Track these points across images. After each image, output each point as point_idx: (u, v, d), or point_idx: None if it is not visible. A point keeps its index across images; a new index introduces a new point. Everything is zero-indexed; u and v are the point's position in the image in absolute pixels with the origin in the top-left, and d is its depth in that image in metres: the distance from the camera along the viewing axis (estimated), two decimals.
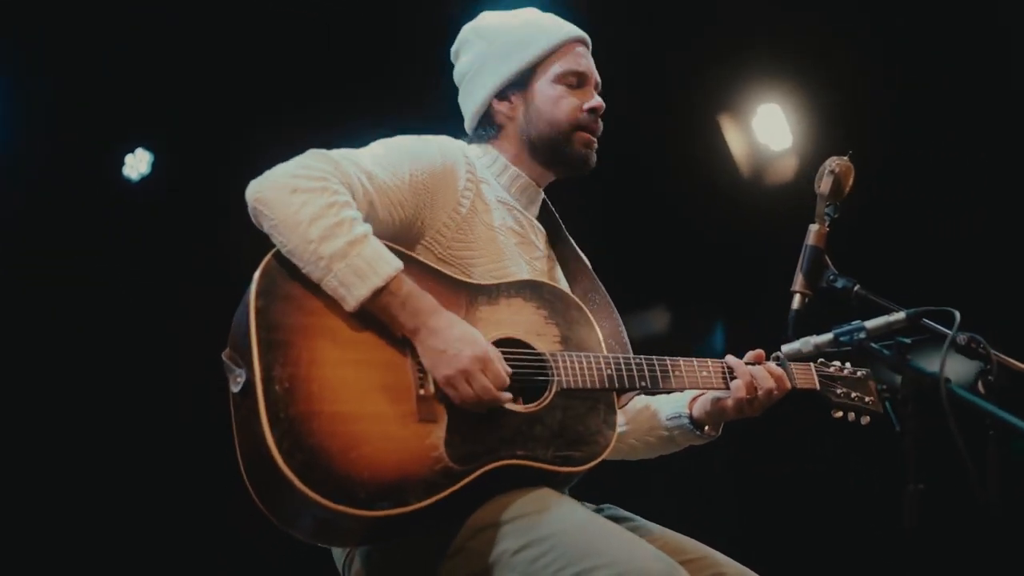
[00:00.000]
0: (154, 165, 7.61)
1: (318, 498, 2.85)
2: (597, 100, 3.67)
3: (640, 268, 8.01)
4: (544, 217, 3.81)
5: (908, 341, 2.91)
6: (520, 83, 3.66)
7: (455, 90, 3.87)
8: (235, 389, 2.99)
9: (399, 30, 7.29)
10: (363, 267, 3.05)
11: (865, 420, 3.74)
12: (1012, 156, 6.95)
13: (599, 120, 3.70)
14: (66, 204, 7.23)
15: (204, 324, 7.32)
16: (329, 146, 3.33)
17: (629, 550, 3.01)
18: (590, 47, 3.77)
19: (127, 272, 7.38)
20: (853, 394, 3.73)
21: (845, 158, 3.24)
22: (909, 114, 7.11)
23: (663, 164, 7.86)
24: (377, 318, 3.10)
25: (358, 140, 3.48)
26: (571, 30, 3.72)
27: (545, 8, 3.84)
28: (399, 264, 3.11)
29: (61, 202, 7.21)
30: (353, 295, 3.04)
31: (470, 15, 3.87)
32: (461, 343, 3.10)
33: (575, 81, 3.66)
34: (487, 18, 3.77)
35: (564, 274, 3.77)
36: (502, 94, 3.68)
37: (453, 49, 3.83)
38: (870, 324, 3.00)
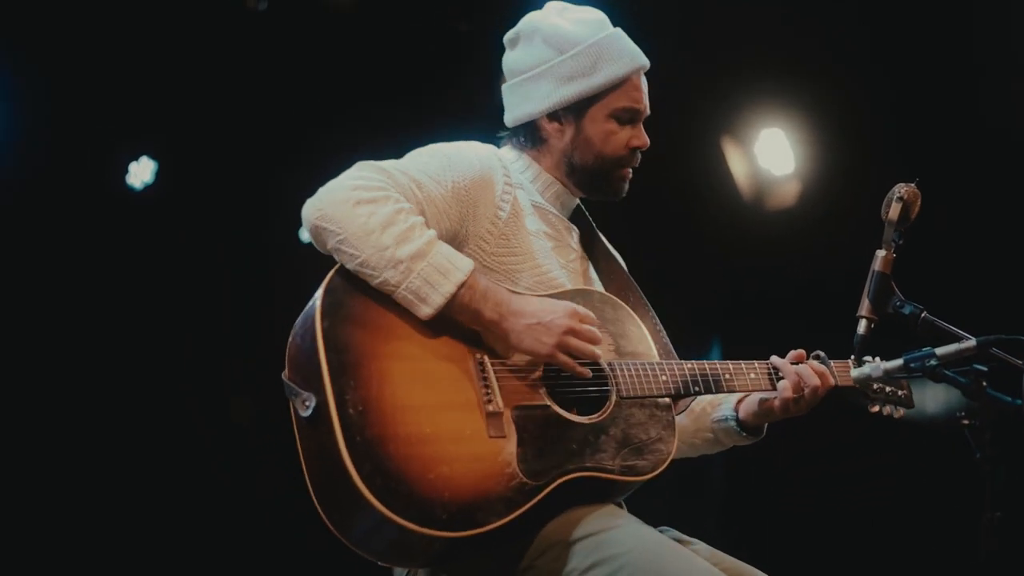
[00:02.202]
0: (158, 174, 7.57)
1: (402, 521, 2.84)
2: (644, 139, 3.63)
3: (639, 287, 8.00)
4: (576, 217, 3.77)
5: (985, 369, 2.93)
6: (575, 109, 3.58)
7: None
8: (304, 414, 2.96)
9: (408, 42, 7.30)
10: (445, 264, 3.07)
11: (899, 413, 3.81)
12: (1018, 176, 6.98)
13: (638, 155, 3.66)
14: (69, 212, 7.19)
15: (207, 333, 7.42)
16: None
17: (698, 572, 3.03)
18: (648, 68, 3.67)
19: (130, 281, 7.35)
20: (887, 388, 3.79)
21: (912, 185, 3.24)
22: (912, 138, 7.14)
23: (665, 188, 7.86)
24: (453, 319, 3.12)
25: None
26: (636, 60, 3.61)
27: None
28: (471, 261, 3.15)
29: (64, 210, 7.16)
30: (439, 292, 3.05)
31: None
32: (547, 310, 3.17)
33: (628, 118, 3.59)
34: (554, 18, 3.62)
35: (596, 272, 3.76)
36: (554, 114, 3.60)
37: (510, 35, 3.70)
38: (941, 351, 3.03)
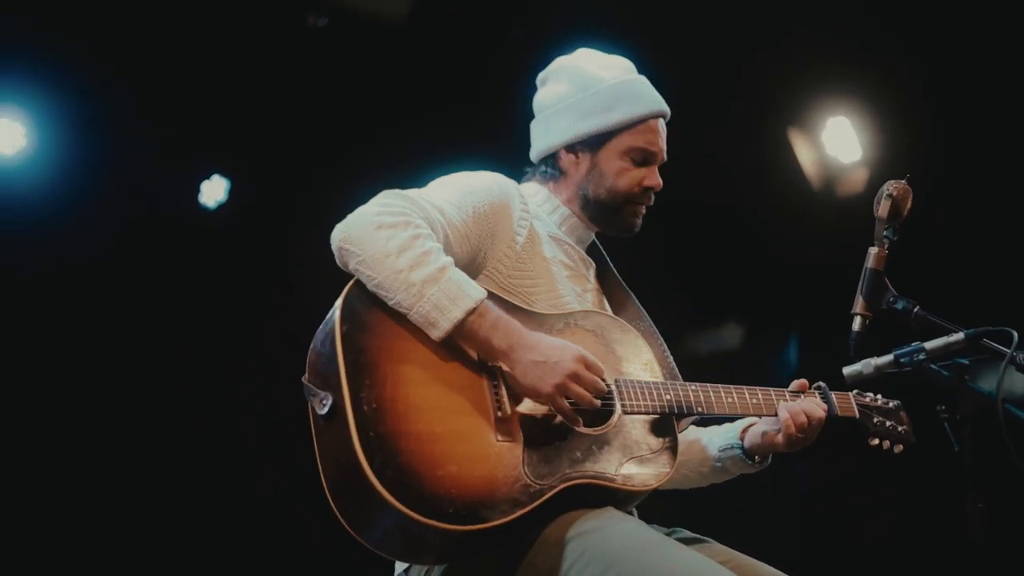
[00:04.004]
0: (231, 192, 7.68)
1: (411, 513, 2.96)
2: (656, 180, 3.79)
3: (712, 283, 8.05)
4: (592, 253, 3.94)
5: (966, 362, 2.96)
6: (591, 144, 3.76)
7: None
8: (321, 412, 3.10)
9: (474, 65, 7.38)
10: (455, 290, 3.18)
11: (899, 448, 3.88)
12: None
13: (652, 196, 3.82)
14: (142, 233, 7.34)
15: (283, 349, 7.51)
16: (403, 175, 3.51)
17: (692, 568, 3.08)
18: (668, 118, 3.85)
19: (205, 299, 7.49)
20: (888, 423, 3.86)
21: (903, 181, 3.27)
22: (976, 123, 7.09)
23: (734, 178, 7.90)
24: (461, 345, 3.23)
25: (430, 169, 3.64)
26: (655, 105, 3.79)
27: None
28: (485, 291, 3.24)
29: (137, 231, 7.31)
30: (447, 317, 3.16)
31: (544, 56, 3.98)
32: (557, 351, 3.25)
33: (641, 158, 3.76)
34: (582, 61, 3.86)
35: (610, 305, 3.90)
36: (572, 147, 3.79)
37: (542, 75, 3.94)
38: (929, 345, 3.07)
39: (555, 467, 3.22)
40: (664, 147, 3.81)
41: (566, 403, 3.25)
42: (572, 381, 3.23)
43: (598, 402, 3.29)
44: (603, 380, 3.36)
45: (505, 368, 3.27)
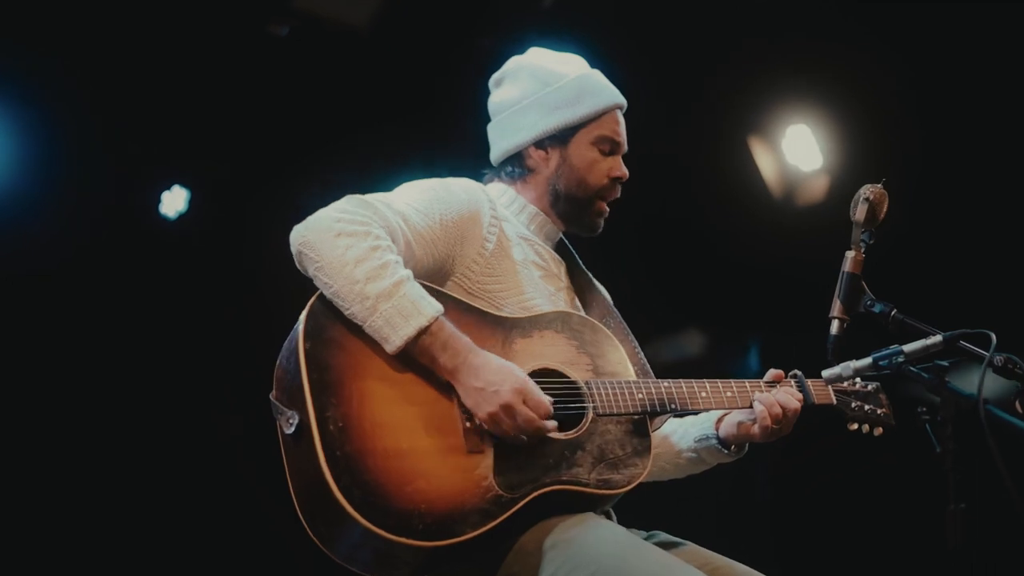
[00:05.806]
0: (191, 202, 7.65)
1: (380, 531, 2.97)
2: (623, 170, 3.83)
3: (673, 291, 8.05)
4: (561, 250, 3.93)
5: (946, 364, 2.98)
6: (560, 137, 3.77)
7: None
8: (288, 431, 3.10)
9: (439, 73, 7.36)
10: (408, 307, 3.16)
11: (878, 431, 3.90)
12: None
13: (619, 187, 3.85)
14: (103, 243, 7.29)
15: (244, 360, 7.48)
16: (366, 185, 3.50)
17: (672, 573, 3.10)
18: (625, 109, 3.89)
19: (165, 310, 7.45)
20: (866, 407, 3.88)
21: (879, 185, 3.29)
22: (938, 132, 7.12)
23: (694, 186, 7.91)
24: (416, 360, 3.21)
25: (392, 179, 3.62)
26: (617, 96, 3.85)
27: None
28: (440, 307, 3.22)
29: (97, 241, 7.26)
30: (399, 334, 3.14)
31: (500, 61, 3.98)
32: (500, 377, 3.21)
33: (608, 148, 3.81)
34: (538, 58, 3.89)
35: (581, 303, 3.88)
36: (541, 143, 3.79)
37: (496, 76, 3.93)
38: (908, 348, 3.07)
39: (527, 475, 3.22)
40: (625, 138, 3.85)
41: (501, 429, 3.20)
42: (504, 413, 3.18)
43: (524, 438, 3.22)
44: (580, 392, 3.39)
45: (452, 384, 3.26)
